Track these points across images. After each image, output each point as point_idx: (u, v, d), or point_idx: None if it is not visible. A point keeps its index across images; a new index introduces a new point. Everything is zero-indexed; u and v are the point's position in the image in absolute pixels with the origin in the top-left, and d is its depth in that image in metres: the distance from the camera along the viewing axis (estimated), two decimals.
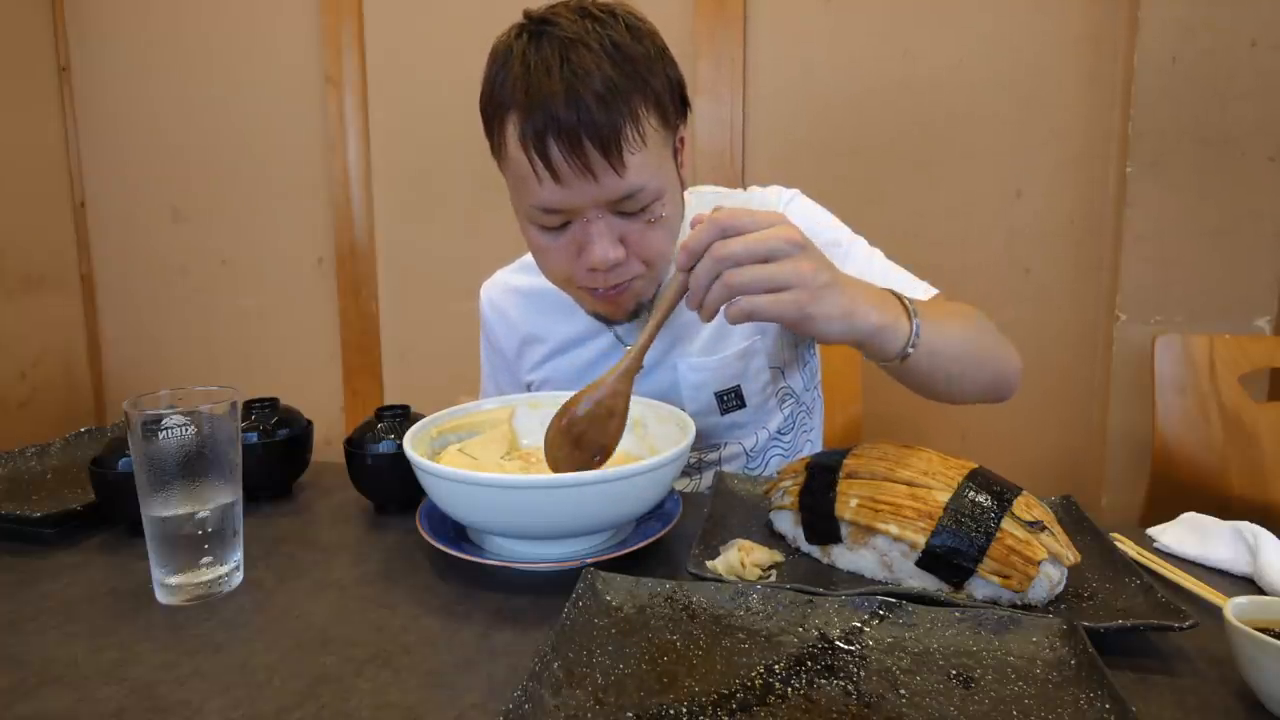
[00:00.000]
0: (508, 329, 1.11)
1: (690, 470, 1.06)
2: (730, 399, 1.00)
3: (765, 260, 0.64)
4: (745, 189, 1.05)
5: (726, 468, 1.04)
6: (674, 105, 0.84)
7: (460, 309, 2.05)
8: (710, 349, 1.00)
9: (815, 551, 0.74)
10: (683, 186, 0.92)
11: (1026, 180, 1.68)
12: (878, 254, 0.99)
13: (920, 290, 0.95)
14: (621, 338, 1.03)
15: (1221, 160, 1.48)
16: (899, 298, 0.74)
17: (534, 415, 0.95)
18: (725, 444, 1.04)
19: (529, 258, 1.08)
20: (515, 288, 1.10)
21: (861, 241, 1.00)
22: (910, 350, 0.72)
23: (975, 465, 0.71)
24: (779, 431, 1.06)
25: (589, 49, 0.76)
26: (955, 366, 0.81)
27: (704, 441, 1.04)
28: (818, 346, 1.12)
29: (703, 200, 1.02)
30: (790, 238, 0.65)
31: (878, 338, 0.70)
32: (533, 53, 0.77)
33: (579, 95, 0.75)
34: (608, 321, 0.96)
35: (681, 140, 0.89)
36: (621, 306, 0.91)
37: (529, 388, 1.13)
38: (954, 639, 0.58)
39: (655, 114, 0.81)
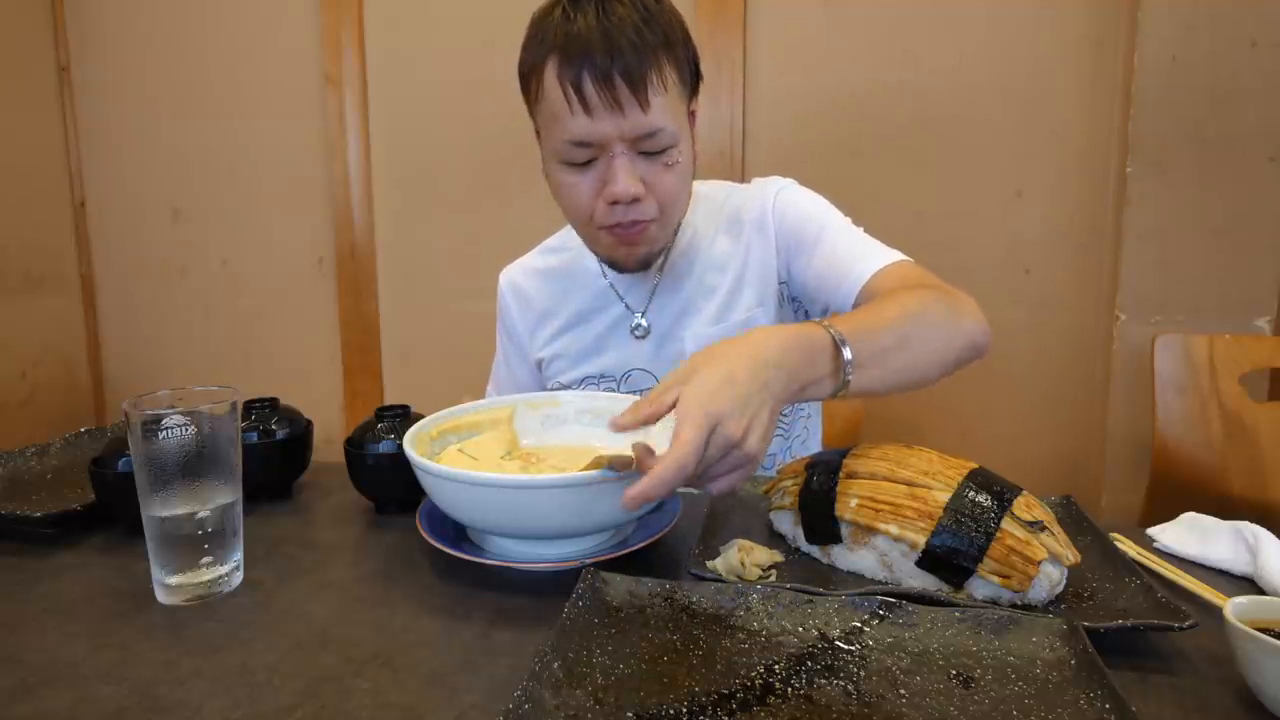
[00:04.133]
0: (524, 307, 1.16)
1: None
2: None
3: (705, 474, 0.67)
4: (749, 182, 1.11)
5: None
6: (690, 74, 0.94)
7: (460, 309, 2.06)
8: (716, 319, 1.05)
9: (815, 551, 0.74)
10: (693, 156, 0.99)
11: (1027, 180, 1.68)
12: (857, 231, 1.01)
13: (889, 257, 0.95)
14: (631, 308, 1.08)
15: (1222, 160, 1.48)
16: (835, 344, 0.73)
17: (534, 415, 0.95)
18: None
19: (549, 241, 1.18)
20: (533, 268, 1.17)
21: (837, 218, 1.02)
22: (844, 391, 0.74)
23: (975, 465, 0.71)
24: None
25: (623, 4, 0.87)
26: (906, 374, 0.80)
27: None
28: None
29: (709, 193, 1.10)
30: (688, 461, 0.63)
31: (806, 396, 0.72)
32: (573, 8, 0.88)
33: (613, 38, 0.85)
34: (620, 269, 1.02)
35: (693, 113, 0.98)
36: (634, 251, 0.97)
37: (540, 365, 1.16)
38: (954, 639, 0.58)
39: (675, 71, 0.90)
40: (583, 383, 1.11)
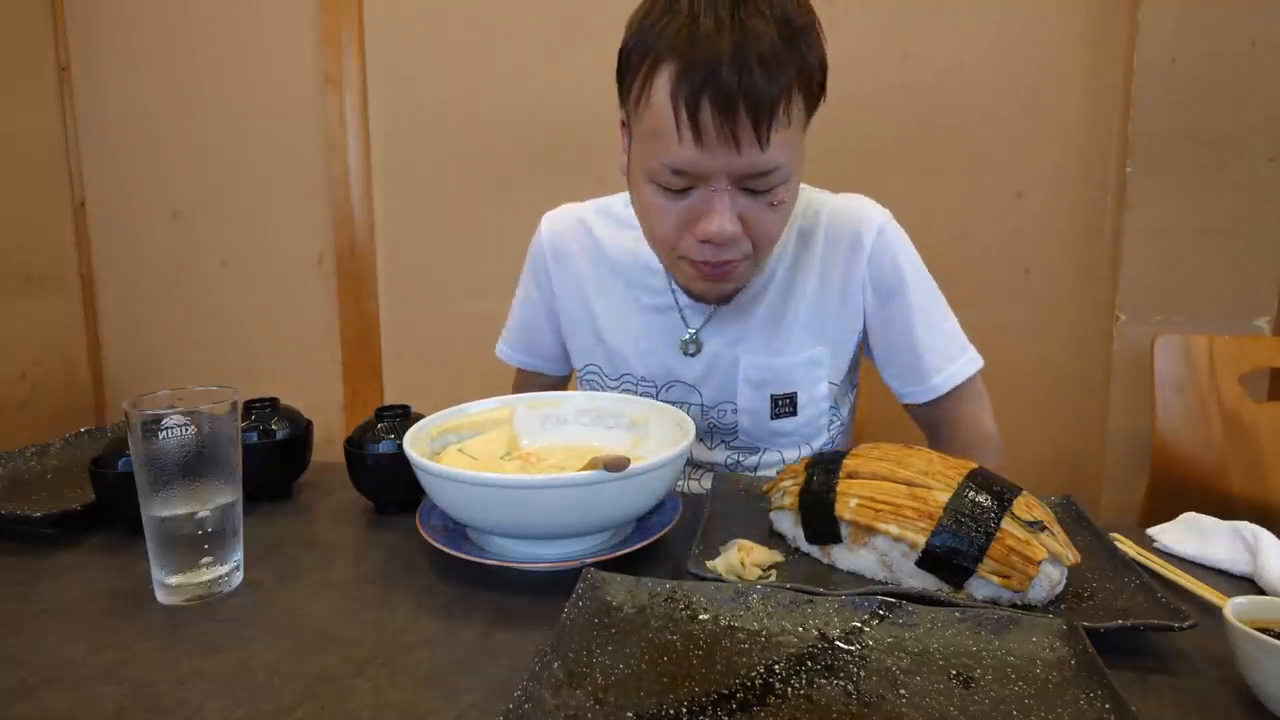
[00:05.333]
0: (568, 270, 1.05)
1: (722, 470, 1.03)
2: (784, 404, 0.98)
3: None
4: (835, 193, 1.03)
5: (762, 474, 1.00)
6: (818, 88, 0.81)
7: (460, 309, 2.06)
8: (777, 349, 0.97)
9: (815, 551, 0.74)
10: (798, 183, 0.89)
11: (1027, 181, 1.68)
12: (946, 314, 1.02)
13: (964, 370, 0.99)
14: (687, 322, 0.99)
15: (1221, 160, 1.48)
16: None
17: (534, 415, 0.95)
18: (765, 449, 1.02)
19: (615, 204, 1.05)
20: (590, 231, 1.04)
21: (931, 288, 1.01)
22: None
23: (975, 465, 0.71)
24: (820, 451, 1.04)
25: (759, 12, 0.73)
26: None
27: (746, 440, 1.01)
28: (859, 377, 1.10)
29: None
30: None
31: None
32: (702, 2, 0.74)
33: (745, 58, 0.72)
34: (698, 300, 0.94)
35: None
36: (719, 288, 0.88)
37: (571, 342, 1.08)
38: (954, 639, 0.58)
39: (803, 94, 0.78)
40: (621, 378, 1.04)
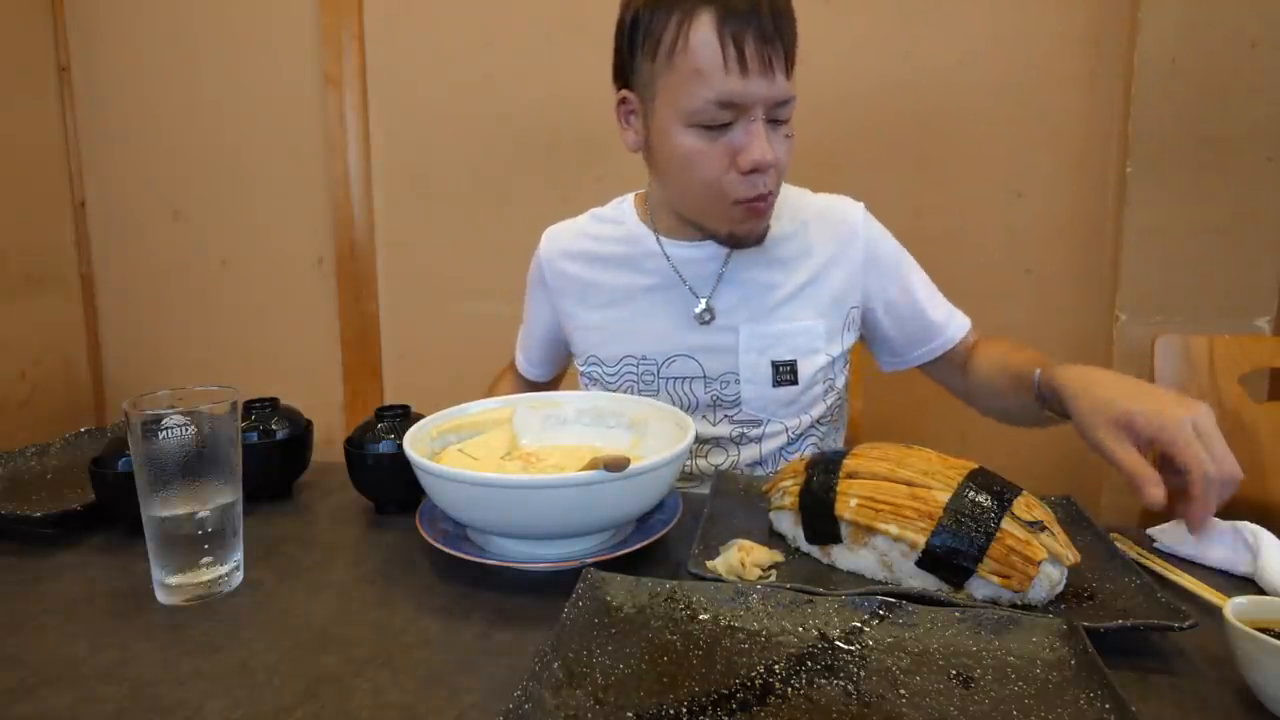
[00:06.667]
0: (564, 275, 1.11)
1: (727, 444, 1.06)
2: (785, 372, 1.03)
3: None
4: (813, 191, 1.11)
5: (766, 446, 1.05)
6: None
7: (460, 309, 2.06)
8: (772, 318, 1.03)
9: (815, 551, 0.74)
10: None
11: (1026, 180, 1.68)
12: (930, 281, 1.12)
13: (966, 319, 1.11)
14: (696, 292, 1.04)
15: (1221, 160, 1.48)
16: None
17: (534, 415, 0.95)
18: (768, 421, 1.05)
19: (603, 209, 1.14)
20: (583, 233, 1.12)
21: (916, 262, 1.12)
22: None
23: (975, 465, 0.71)
24: (819, 421, 1.08)
25: None
26: None
27: (749, 413, 1.05)
28: (851, 351, 1.14)
29: None
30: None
31: None
32: None
33: (776, 2, 0.87)
34: (740, 244, 0.99)
35: None
36: (759, 225, 0.96)
37: (572, 337, 1.12)
38: (954, 639, 0.58)
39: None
40: (621, 361, 1.07)
